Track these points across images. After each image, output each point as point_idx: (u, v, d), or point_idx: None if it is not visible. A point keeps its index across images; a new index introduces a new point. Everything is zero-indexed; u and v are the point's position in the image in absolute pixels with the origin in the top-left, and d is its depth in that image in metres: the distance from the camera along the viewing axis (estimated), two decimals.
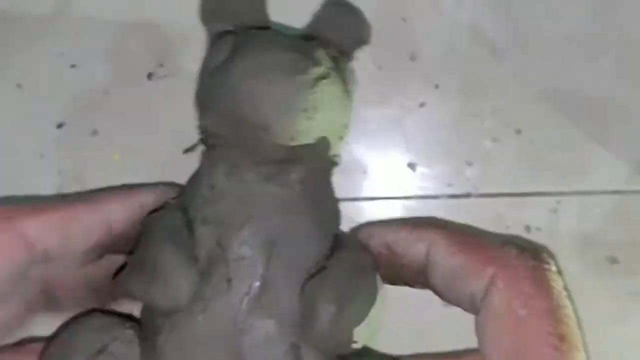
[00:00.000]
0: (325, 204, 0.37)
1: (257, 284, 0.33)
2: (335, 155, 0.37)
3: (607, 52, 0.47)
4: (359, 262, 0.35)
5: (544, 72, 0.47)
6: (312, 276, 0.33)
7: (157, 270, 0.32)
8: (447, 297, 0.32)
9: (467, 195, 0.46)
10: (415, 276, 0.34)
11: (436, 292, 0.33)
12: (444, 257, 0.30)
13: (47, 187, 0.46)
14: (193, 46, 0.46)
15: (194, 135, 0.45)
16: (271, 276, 0.33)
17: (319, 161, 0.36)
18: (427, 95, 0.47)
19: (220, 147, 0.36)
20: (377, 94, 0.46)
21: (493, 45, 0.47)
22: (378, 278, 0.36)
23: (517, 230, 0.46)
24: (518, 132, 0.47)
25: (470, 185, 0.46)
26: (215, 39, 0.39)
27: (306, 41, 0.38)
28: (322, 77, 0.34)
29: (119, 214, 0.36)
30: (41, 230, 0.32)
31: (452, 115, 0.47)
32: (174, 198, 0.38)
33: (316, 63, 0.34)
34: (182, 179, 0.44)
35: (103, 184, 0.46)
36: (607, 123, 0.47)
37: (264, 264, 0.33)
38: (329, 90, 0.34)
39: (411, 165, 0.47)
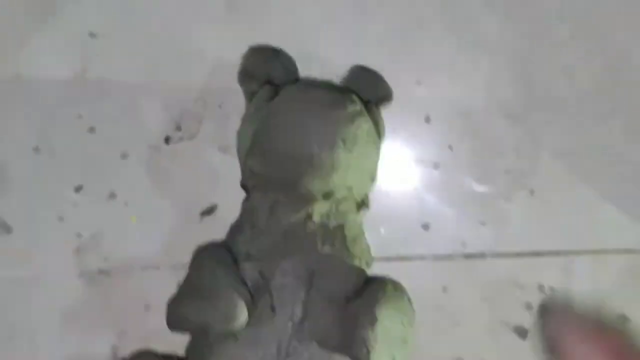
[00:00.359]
0: (358, 241, 0.40)
1: (299, 310, 0.36)
2: (367, 197, 0.40)
3: (618, 113, 0.47)
4: (394, 288, 0.38)
5: (557, 133, 0.47)
6: (350, 301, 0.37)
7: (214, 293, 0.35)
8: None
9: (482, 255, 0.47)
10: None
11: None
12: None
13: (66, 250, 0.46)
14: (209, 109, 0.47)
15: (211, 199, 0.46)
16: (312, 303, 0.36)
17: (353, 201, 0.39)
18: (442, 157, 0.47)
19: (261, 188, 0.39)
20: (391, 155, 0.46)
21: (507, 107, 0.47)
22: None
23: (531, 289, 0.47)
24: (531, 192, 0.47)
25: (484, 245, 0.47)
26: (250, 99, 0.42)
27: (339, 87, 0.42)
28: (359, 113, 0.38)
29: None
30: None
31: (466, 175, 0.47)
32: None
33: (352, 102, 0.38)
34: (198, 241, 0.45)
35: (121, 246, 0.46)
36: (619, 182, 0.47)
37: (304, 292, 0.36)
38: (364, 126, 0.38)
39: (425, 226, 0.47)
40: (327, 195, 0.38)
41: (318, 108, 0.37)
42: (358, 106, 0.38)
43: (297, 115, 0.37)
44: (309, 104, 0.37)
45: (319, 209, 0.38)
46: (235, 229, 0.40)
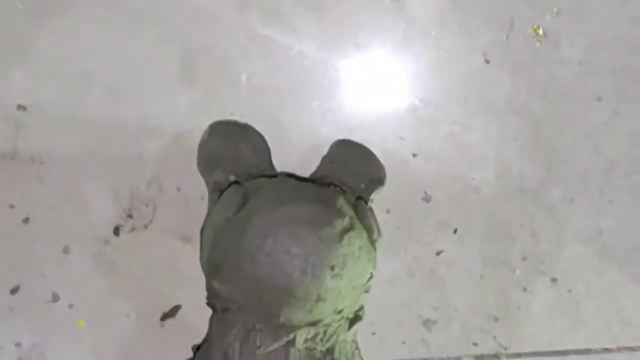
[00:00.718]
0: None
1: None
2: (360, 309, 0.36)
3: None
4: None
5: (583, 212, 0.42)
6: None
7: None
8: None
9: (496, 356, 0.41)
10: None
11: None
12: None
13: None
14: (164, 193, 0.41)
15: (172, 299, 0.40)
16: None
17: (344, 319, 0.35)
18: (445, 242, 0.42)
19: (234, 311, 0.34)
20: (387, 243, 0.40)
21: (522, 182, 0.41)
22: None
23: None
24: (554, 280, 0.42)
25: (498, 345, 0.42)
26: (216, 188, 0.37)
27: (322, 188, 0.36)
28: (348, 228, 0.33)
29: None
30: None
31: (476, 263, 0.42)
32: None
33: (340, 214, 0.33)
34: (159, 350, 0.39)
35: (68, 358, 0.40)
36: None
37: None
38: (355, 242, 0.33)
39: (428, 324, 0.41)
40: (313, 323, 0.33)
41: (299, 229, 0.32)
42: (347, 218, 0.33)
43: (272, 239, 0.32)
44: (289, 224, 0.32)
45: (303, 336, 0.33)
46: (204, 353, 0.36)
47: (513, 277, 0.41)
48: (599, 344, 0.41)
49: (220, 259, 0.34)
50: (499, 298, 0.41)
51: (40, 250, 0.41)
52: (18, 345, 0.41)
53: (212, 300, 0.36)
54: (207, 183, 0.38)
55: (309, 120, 0.41)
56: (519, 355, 0.41)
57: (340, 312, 0.34)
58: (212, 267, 0.34)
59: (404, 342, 0.41)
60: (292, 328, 0.33)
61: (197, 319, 0.39)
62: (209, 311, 0.36)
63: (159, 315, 0.41)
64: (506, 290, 0.41)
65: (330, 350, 0.34)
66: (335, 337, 0.34)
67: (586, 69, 0.42)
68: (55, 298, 0.41)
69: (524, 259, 0.41)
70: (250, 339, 0.34)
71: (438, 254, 0.42)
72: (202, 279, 0.36)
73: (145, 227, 0.41)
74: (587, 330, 0.41)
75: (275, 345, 0.33)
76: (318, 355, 0.34)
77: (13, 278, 0.41)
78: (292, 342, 0.33)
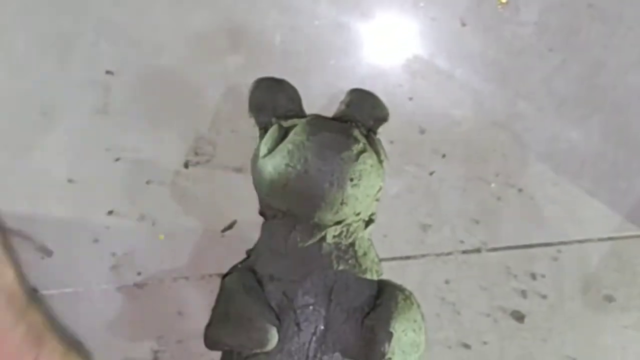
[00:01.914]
0: (368, 254, 0.44)
1: (322, 325, 0.41)
2: (373, 214, 0.45)
3: (595, 115, 0.51)
4: (404, 298, 0.43)
5: (540, 136, 0.51)
6: (367, 313, 0.42)
7: (247, 322, 0.40)
8: None
9: (478, 250, 0.51)
10: None
11: None
12: None
13: (103, 268, 0.51)
14: (222, 135, 0.51)
15: (230, 216, 0.51)
16: (333, 317, 0.41)
17: (361, 221, 0.44)
18: (436, 164, 0.51)
19: (279, 217, 0.43)
20: (391, 166, 0.50)
21: (494, 116, 0.51)
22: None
23: (524, 278, 0.52)
24: (520, 190, 0.51)
25: (479, 241, 0.51)
26: (262, 128, 0.46)
27: (341, 123, 0.45)
28: (362, 151, 0.42)
29: None
30: None
31: (460, 180, 0.51)
32: (241, 262, 0.46)
33: (356, 140, 0.42)
34: (222, 254, 0.50)
35: (152, 262, 0.51)
36: (598, 178, 0.52)
37: (325, 308, 0.41)
38: (368, 161, 0.42)
39: (425, 227, 0.52)
40: (338, 222, 0.42)
41: (327, 152, 0.40)
42: (361, 143, 0.42)
43: (310, 160, 0.40)
44: (318, 149, 0.40)
45: (332, 233, 0.42)
46: (257, 253, 0.44)
47: (489, 189, 0.51)
48: (556, 238, 0.51)
49: (268, 178, 0.42)
50: (479, 205, 0.51)
51: (129, 182, 0.51)
52: (114, 254, 0.51)
53: (263, 210, 0.46)
54: (256, 123, 0.47)
55: (328, 75, 0.51)
56: (495, 249, 0.51)
57: (358, 214, 0.43)
58: (264, 186, 0.43)
59: (407, 242, 0.52)
60: (323, 227, 0.42)
61: (250, 231, 0.48)
62: (259, 224, 0.46)
63: (221, 228, 0.51)
64: (484, 199, 0.51)
65: (352, 244, 0.43)
66: (355, 234, 0.44)
67: (540, 28, 0.51)
68: (141, 218, 0.51)
69: (497, 175, 0.51)
70: (292, 237, 0.43)
71: (431, 174, 0.51)
72: (252, 200, 0.47)
73: (208, 161, 0.51)
74: (547, 228, 0.51)
75: (311, 241, 0.42)
76: (343, 247, 0.43)
77: (108, 204, 0.51)
78: (323, 238, 0.42)
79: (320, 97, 0.50)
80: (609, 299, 0.52)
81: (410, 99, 0.51)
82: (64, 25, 0.50)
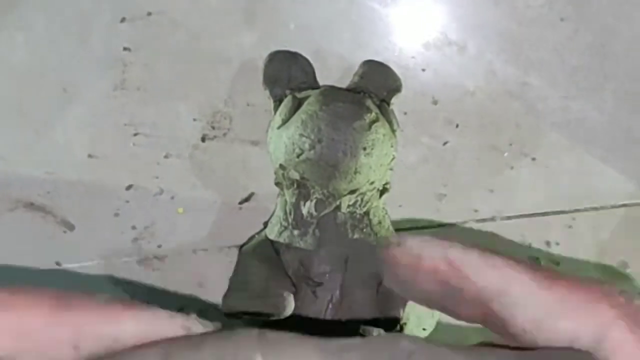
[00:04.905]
0: (383, 223, 0.45)
1: (338, 293, 0.42)
2: (387, 183, 0.45)
3: (608, 84, 0.52)
4: None
5: (553, 105, 0.52)
6: (382, 280, 0.41)
7: (262, 288, 0.41)
8: (528, 337, 0.25)
9: (492, 219, 0.52)
10: (467, 305, 0.25)
11: (502, 327, 0.24)
12: (532, 291, 0.23)
13: (124, 241, 0.53)
14: (238, 108, 0.52)
15: (247, 188, 0.52)
16: (348, 285, 0.42)
17: (375, 190, 0.44)
18: (450, 134, 0.52)
19: (295, 188, 0.44)
20: (405, 137, 0.51)
21: (507, 86, 0.52)
22: None
23: (538, 245, 0.52)
24: (533, 159, 0.52)
25: (494, 210, 0.52)
26: (277, 100, 0.47)
27: (355, 94, 0.46)
28: (374, 120, 0.42)
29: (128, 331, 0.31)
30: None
31: (473, 150, 0.52)
32: (258, 233, 0.47)
33: (368, 110, 0.42)
34: (240, 226, 0.51)
35: (172, 235, 0.53)
36: (612, 146, 0.52)
37: (341, 276, 0.42)
38: (380, 130, 0.42)
39: (440, 197, 0.53)
40: (353, 192, 0.42)
41: (340, 122, 0.41)
42: (374, 113, 0.42)
43: (324, 130, 0.41)
44: (332, 119, 0.41)
45: (346, 202, 0.43)
46: (274, 223, 0.45)
47: (503, 159, 0.52)
48: (569, 206, 0.52)
49: (283, 149, 0.43)
50: (493, 175, 0.52)
51: (147, 156, 0.52)
52: (134, 227, 0.53)
53: (279, 180, 0.46)
54: (271, 96, 0.47)
55: (343, 48, 0.52)
56: (509, 217, 0.52)
57: (372, 183, 0.43)
58: (280, 156, 0.43)
59: (422, 212, 0.53)
60: (338, 196, 0.42)
61: (266, 203, 0.50)
62: (276, 195, 0.47)
63: (238, 201, 0.53)
64: (498, 168, 0.52)
65: (366, 213, 0.44)
66: (369, 203, 0.44)
67: None
68: (160, 191, 0.53)
69: (510, 144, 0.52)
70: (307, 207, 0.43)
71: (445, 144, 0.53)
72: (268, 173, 0.47)
73: (224, 135, 0.52)
74: (561, 197, 0.52)
75: (327, 210, 0.43)
76: (358, 216, 0.43)
77: (128, 178, 0.53)
78: (338, 207, 0.43)
79: (336, 70, 0.51)
80: (624, 265, 0.52)
81: (424, 70, 0.52)
82: (83, 4, 0.51)
